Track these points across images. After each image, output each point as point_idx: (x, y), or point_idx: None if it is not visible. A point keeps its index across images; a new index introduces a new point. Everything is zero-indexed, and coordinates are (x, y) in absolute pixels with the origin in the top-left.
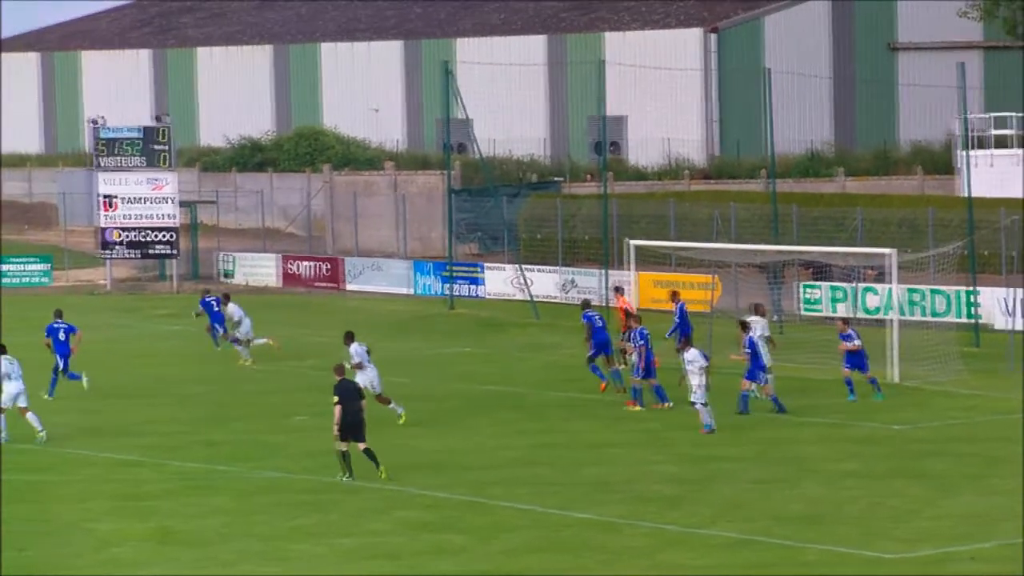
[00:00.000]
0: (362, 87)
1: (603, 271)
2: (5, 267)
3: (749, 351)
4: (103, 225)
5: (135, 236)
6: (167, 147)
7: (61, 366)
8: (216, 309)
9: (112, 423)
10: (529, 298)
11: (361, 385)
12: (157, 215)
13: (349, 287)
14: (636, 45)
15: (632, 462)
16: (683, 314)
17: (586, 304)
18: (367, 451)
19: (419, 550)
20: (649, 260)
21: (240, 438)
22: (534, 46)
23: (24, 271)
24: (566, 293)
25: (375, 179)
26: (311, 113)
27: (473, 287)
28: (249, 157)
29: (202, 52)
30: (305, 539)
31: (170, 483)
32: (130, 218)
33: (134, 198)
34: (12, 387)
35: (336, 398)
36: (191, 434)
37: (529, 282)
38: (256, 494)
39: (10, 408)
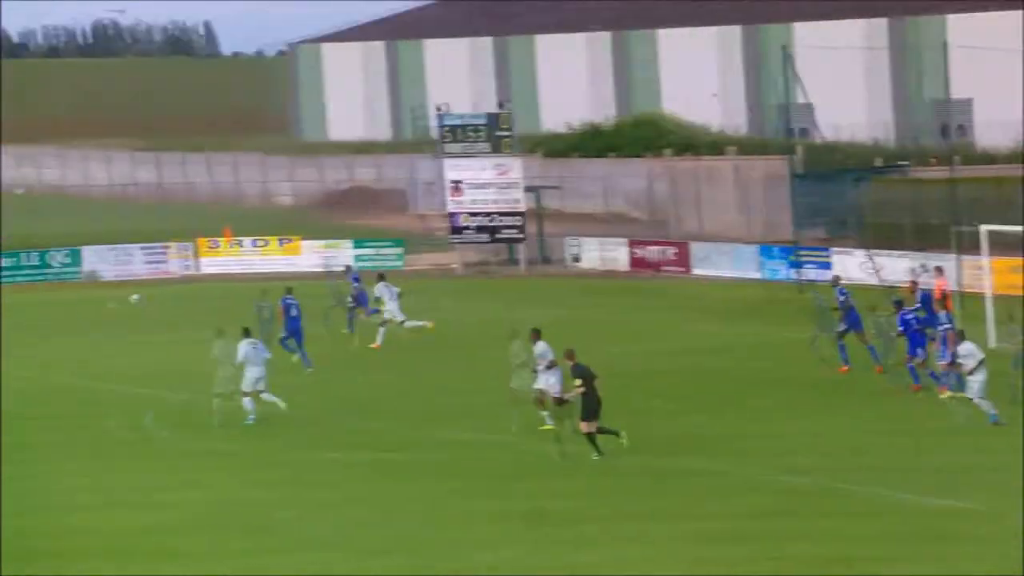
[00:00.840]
0: (702, 72)
1: (956, 256)
2: (360, 251)
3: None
4: (451, 210)
5: (484, 221)
6: (510, 133)
7: (295, 339)
8: (363, 291)
9: (473, 404)
10: (879, 282)
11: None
12: (503, 200)
13: (696, 271)
14: (980, 26)
15: (977, 450)
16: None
17: (836, 281)
18: (589, 434)
19: (771, 534)
20: (1003, 246)
21: None
22: (875, 29)
23: (378, 255)
24: (918, 278)
25: (717, 164)
26: (651, 98)
27: (822, 271)
28: (591, 143)
29: (541, 39)
30: (663, 519)
31: (525, 464)
32: (477, 203)
33: (480, 183)
34: (254, 371)
35: (579, 381)
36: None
37: (879, 267)
38: (609, 476)
39: (251, 392)
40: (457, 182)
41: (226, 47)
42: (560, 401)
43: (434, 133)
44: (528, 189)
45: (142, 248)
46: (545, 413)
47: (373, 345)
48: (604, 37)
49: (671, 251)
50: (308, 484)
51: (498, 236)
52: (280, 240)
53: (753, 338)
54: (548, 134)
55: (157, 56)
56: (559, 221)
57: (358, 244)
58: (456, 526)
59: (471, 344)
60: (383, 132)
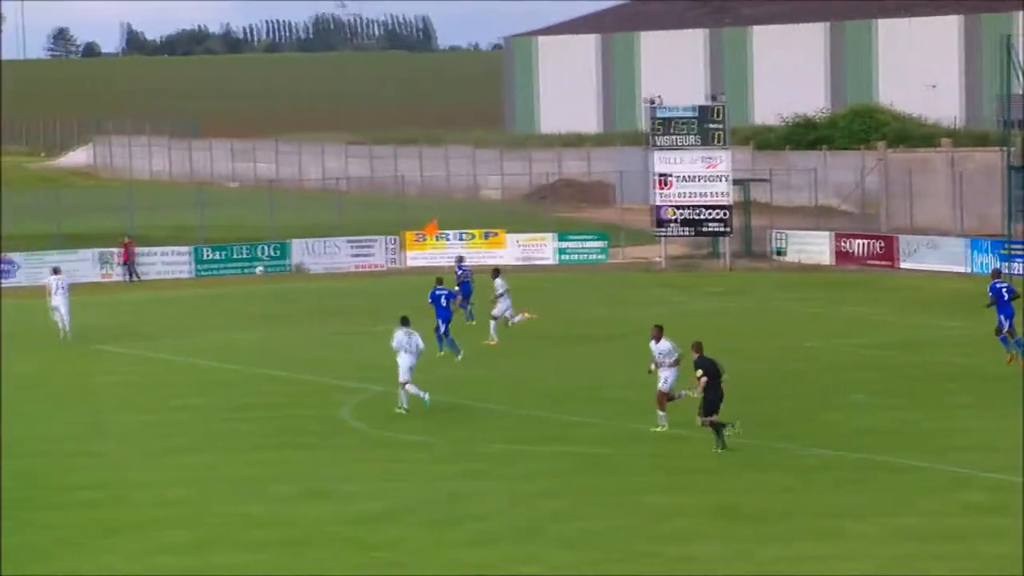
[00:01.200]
0: (918, 63)
1: None
2: (564, 244)
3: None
4: (658, 203)
5: (689, 214)
6: (721, 126)
7: (443, 329)
8: (467, 280)
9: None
10: None
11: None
12: (711, 193)
13: (903, 265)
14: None
15: None
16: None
17: (996, 274)
18: (713, 425)
19: (979, 532)
20: None
21: (791, 415)
22: None
23: (582, 248)
24: None
25: (931, 156)
26: (865, 90)
27: None
28: (802, 135)
29: (757, 31)
30: (860, 517)
31: (722, 458)
32: (684, 196)
33: (688, 176)
34: (406, 360)
35: (700, 371)
36: (740, 411)
37: None
38: (808, 471)
39: (405, 380)
40: (665, 175)
41: (443, 41)
42: (669, 398)
43: (645, 126)
44: (736, 182)
45: (349, 241)
46: (661, 414)
47: (491, 342)
48: (820, 29)
49: (878, 245)
50: (502, 477)
51: (703, 229)
52: (485, 233)
53: (958, 332)
54: (760, 126)
55: (374, 51)
56: (767, 214)
57: (562, 237)
58: (649, 520)
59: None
60: (593, 124)
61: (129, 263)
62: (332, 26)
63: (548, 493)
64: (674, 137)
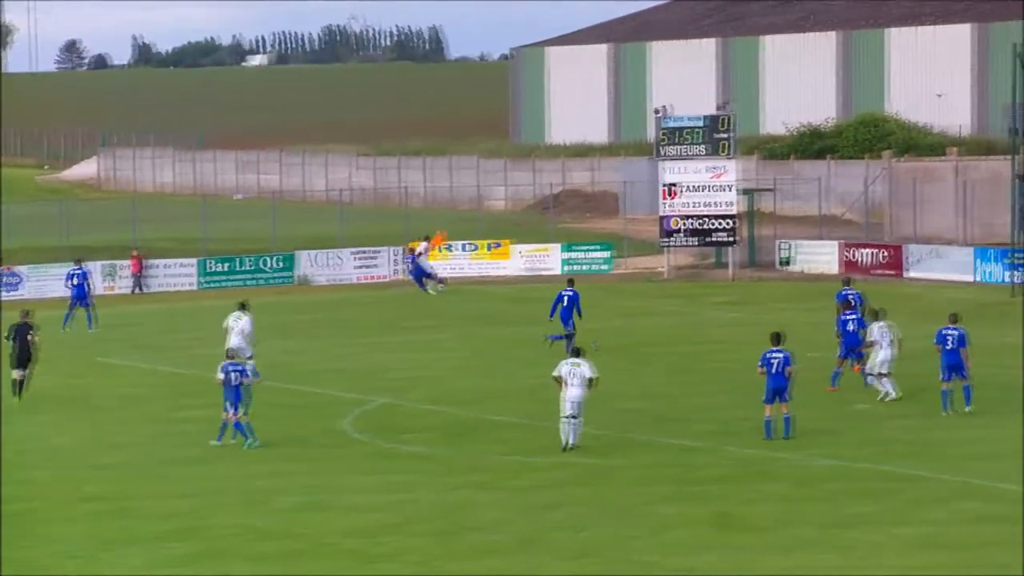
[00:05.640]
0: (928, 72)
1: None
2: (568, 255)
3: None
4: (663, 213)
5: (695, 224)
6: (728, 135)
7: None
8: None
9: (674, 409)
10: None
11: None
12: (717, 203)
13: (909, 274)
14: None
15: None
16: None
17: (846, 282)
18: (14, 382)
19: (981, 542)
20: None
21: (798, 425)
22: None
23: (585, 258)
24: None
25: (937, 165)
26: (874, 99)
27: None
28: (808, 144)
29: (767, 40)
30: (862, 527)
31: (726, 469)
32: (690, 206)
33: (695, 186)
34: (233, 340)
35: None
36: (748, 420)
37: None
38: (813, 482)
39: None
40: (671, 185)
41: (454, 51)
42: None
43: (652, 136)
44: (742, 192)
45: (353, 253)
46: None
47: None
48: (830, 38)
49: (884, 254)
50: (507, 488)
51: (709, 239)
52: (489, 244)
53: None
54: (766, 136)
55: (382, 62)
56: (773, 224)
57: (566, 248)
58: (652, 531)
59: (666, 348)
60: (602, 135)
61: (138, 275)
62: (339, 37)
63: (553, 504)
64: (681, 147)
